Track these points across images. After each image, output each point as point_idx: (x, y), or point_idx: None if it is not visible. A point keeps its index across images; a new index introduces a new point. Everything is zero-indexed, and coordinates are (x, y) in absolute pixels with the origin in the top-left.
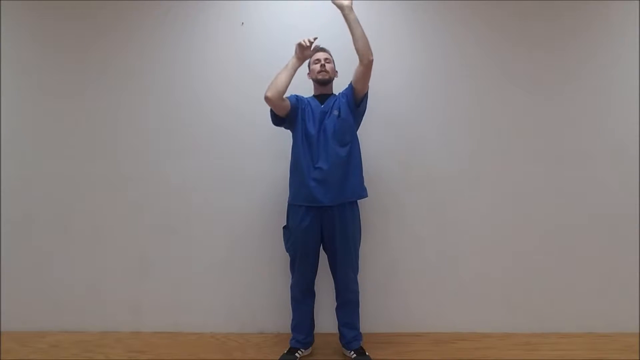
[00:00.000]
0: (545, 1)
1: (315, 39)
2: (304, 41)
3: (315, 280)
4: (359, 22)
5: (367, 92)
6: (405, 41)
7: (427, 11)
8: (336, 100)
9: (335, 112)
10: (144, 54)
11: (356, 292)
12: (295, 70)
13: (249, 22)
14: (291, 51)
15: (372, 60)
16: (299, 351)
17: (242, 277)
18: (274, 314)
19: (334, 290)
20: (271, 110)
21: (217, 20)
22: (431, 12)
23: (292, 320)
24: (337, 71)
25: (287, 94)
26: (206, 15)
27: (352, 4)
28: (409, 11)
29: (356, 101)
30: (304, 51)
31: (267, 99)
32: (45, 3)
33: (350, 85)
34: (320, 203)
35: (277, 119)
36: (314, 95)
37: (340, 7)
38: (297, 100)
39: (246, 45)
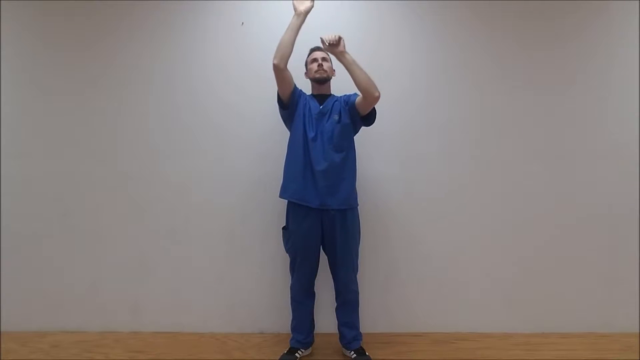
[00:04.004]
0: (545, 1)
1: None
2: None
3: (315, 281)
4: (355, 63)
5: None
6: (405, 42)
7: (428, 12)
8: (336, 102)
9: (336, 117)
10: (143, 54)
11: (356, 292)
12: (297, 30)
13: (249, 22)
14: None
15: (379, 96)
16: (299, 351)
17: (242, 277)
18: (274, 314)
19: (334, 291)
20: (278, 94)
21: (217, 20)
22: (432, 13)
23: (292, 320)
24: (334, 70)
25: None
26: (206, 15)
27: (344, 47)
28: (409, 12)
29: (360, 115)
30: (302, 3)
31: (274, 66)
32: (45, 3)
33: (354, 102)
34: (307, 203)
35: (281, 101)
36: (312, 95)
37: (334, 54)
38: (300, 92)
39: (246, 45)
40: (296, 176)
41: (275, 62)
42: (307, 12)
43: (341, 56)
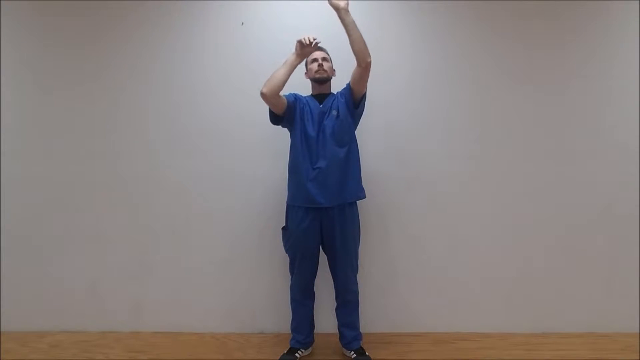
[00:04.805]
0: (545, 1)
1: (315, 40)
2: (305, 39)
3: (315, 281)
4: (355, 25)
5: (365, 92)
6: (406, 42)
7: (428, 12)
8: (334, 99)
9: (334, 113)
10: (143, 54)
11: (356, 293)
12: (293, 68)
13: (249, 22)
14: (291, 51)
15: (370, 62)
16: (299, 351)
17: (242, 277)
18: (274, 314)
19: (334, 291)
20: (270, 109)
21: (217, 20)
22: (432, 13)
23: (292, 320)
24: (334, 70)
25: (286, 92)
26: (206, 15)
27: (348, 5)
28: (410, 12)
29: (354, 102)
30: (305, 49)
31: (262, 95)
32: (45, 3)
33: (348, 86)
34: (318, 204)
35: (275, 118)
36: (312, 95)
37: (336, 9)
38: (295, 99)
39: (246, 45)
40: (302, 179)
41: (264, 90)
42: (307, 56)
43: (345, 14)
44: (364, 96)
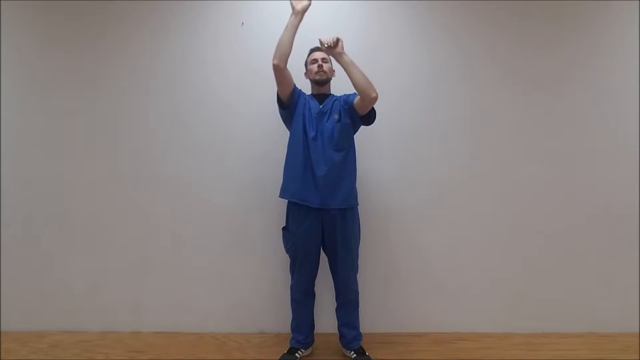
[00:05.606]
0: (545, 1)
1: None
2: None
3: (315, 281)
4: (354, 64)
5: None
6: (406, 42)
7: (428, 12)
8: (336, 101)
9: (336, 116)
10: (143, 54)
11: (356, 292)
12: (295, 29)
13: (249, 22)
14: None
15: (376, 97)
16: (299, 351)
17: (242, 277)
18: (274, 314)
19: (334, 291)
20: (277, 94)
21: (217, 20)
22: (432, 13)
23: (292, 320)
24: (334, 70)
25: None
26: (206, 15)
27: (342, 47)
28: (409, 12)
29: (359, 115)
30: (300, 2)
31: (275, 66)
32: (45, 3)
33: (353, 102)
34: (307, 203)
35: (280, 102)
36: (312, 95)
37: (332, 55)
38: (300, 91)
39: (246, 46)
40: (296, 176)
41: (275, 62)
42: (305, 10)
43: (339, 57)
44: (371, 111)
